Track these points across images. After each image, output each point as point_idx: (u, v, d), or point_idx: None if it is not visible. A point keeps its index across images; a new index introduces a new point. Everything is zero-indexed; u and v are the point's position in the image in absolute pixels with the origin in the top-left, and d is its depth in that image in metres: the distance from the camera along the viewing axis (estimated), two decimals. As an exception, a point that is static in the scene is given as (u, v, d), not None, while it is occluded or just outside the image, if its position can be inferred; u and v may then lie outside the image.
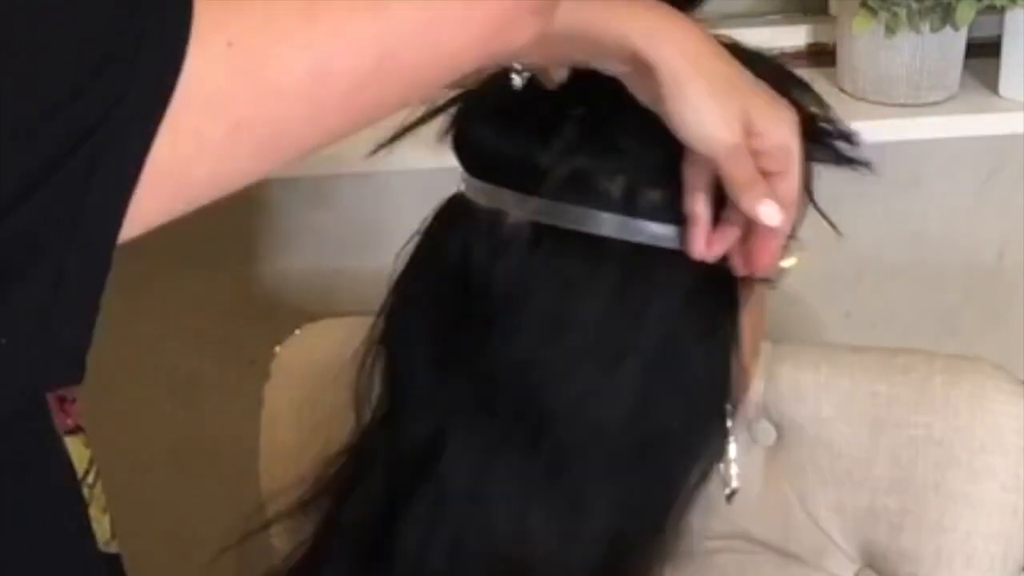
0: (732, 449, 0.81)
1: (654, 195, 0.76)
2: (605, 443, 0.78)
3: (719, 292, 0.79)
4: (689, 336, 0.78)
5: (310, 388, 1.05)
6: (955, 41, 1.46)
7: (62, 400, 0.78)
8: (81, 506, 0.76)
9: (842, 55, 1.49)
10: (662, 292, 0.77)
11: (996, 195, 1.61)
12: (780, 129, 0.73)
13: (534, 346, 0.77)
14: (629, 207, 0.75)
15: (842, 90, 1.48)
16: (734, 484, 0.81)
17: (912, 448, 0.99)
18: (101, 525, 0.79)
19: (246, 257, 1.54)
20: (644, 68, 0.71)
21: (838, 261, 1.55)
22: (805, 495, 1.04)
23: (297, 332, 1.10)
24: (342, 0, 0.54)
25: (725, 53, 0.73)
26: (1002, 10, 1.44)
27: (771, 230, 0.73)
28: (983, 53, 1.51)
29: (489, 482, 0.78)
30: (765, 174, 0.72)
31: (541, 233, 0.76)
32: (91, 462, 0.79)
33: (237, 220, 1.49)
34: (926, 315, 1.66)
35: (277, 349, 1.09)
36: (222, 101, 0.52)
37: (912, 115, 1.45)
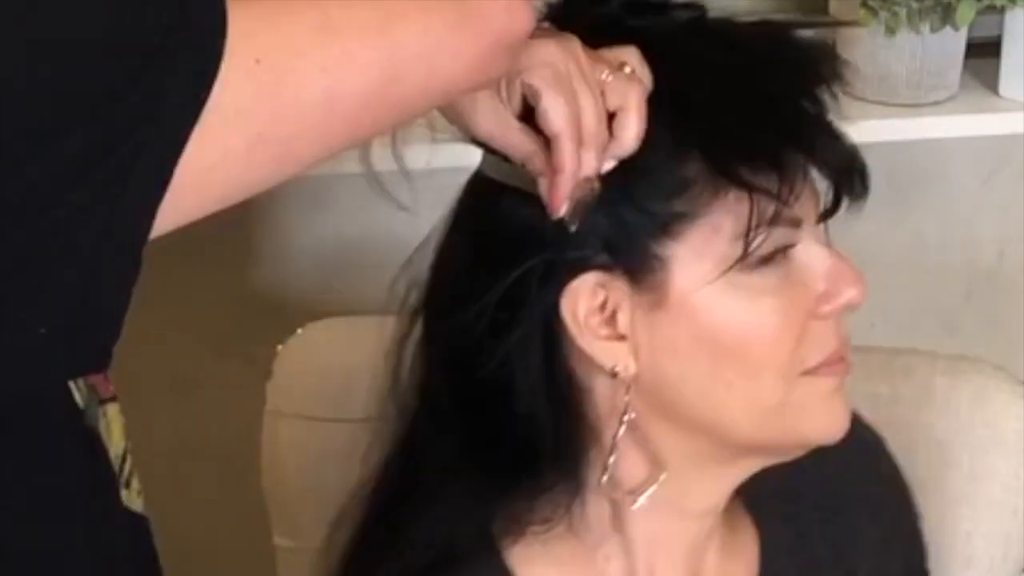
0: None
1: None
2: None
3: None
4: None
5: (312, 387, 1.05)
6: (955, 41, 1.46)
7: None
8: (104, 470, 0.76)
9: (842, 55, 1.49)
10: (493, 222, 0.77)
11: (996, 195, 1.61)
12: (531, 62, 0.69)
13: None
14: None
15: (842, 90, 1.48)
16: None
17: (913, 448, 0.99)
18: (141, 496, 0.80)
19: (246, 257, 1.54)
20: None
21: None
22: (806, 495, 1.03)
23: (299, 331, 1.10)
24: (354, 22, 0.58)
25: None
26: (1002, 10, 1.44)
27: (559, 173, 0.70)
28: (983, 53, 1.51)
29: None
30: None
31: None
32: (125, 430, 0.81)
33: (237, 220, 1.49)
34: (926, 315, 1.65)
35: (279, 348, 1.09)
36: (247, 115, 0.55)
37: (912, 115, 1.46)
